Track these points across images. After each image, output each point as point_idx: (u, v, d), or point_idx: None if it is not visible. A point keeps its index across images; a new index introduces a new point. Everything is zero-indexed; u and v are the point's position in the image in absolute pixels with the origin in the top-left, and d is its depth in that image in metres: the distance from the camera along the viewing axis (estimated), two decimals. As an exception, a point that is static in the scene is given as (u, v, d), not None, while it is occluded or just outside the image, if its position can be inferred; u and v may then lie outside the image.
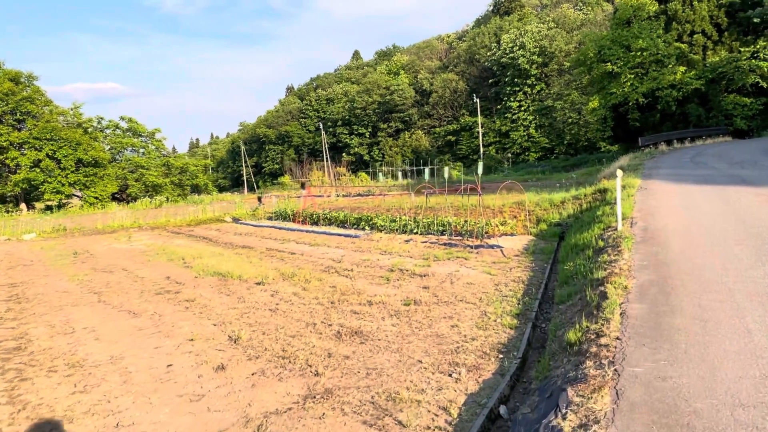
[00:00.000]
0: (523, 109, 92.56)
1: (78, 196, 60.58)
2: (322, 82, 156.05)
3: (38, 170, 56.63)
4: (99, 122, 70.31)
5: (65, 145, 58.27)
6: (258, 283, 14.26)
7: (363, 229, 26.28)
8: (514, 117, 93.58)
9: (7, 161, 56.65)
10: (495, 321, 9.76)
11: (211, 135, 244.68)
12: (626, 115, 53.42)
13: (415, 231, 23.01)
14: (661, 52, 50.72)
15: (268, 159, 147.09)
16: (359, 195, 44.13)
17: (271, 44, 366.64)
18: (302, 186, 57.31)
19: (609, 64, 51.62)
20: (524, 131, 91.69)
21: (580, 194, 23.62)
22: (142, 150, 71.54)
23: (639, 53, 50.49)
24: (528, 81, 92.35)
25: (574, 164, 67.66)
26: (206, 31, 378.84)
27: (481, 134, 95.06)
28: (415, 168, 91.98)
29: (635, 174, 25.17)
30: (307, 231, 27.56)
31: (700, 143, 46.52)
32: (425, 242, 20.49)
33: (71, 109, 64.77)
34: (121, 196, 67.54)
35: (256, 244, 23.67)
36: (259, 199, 42.82)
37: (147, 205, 57.63)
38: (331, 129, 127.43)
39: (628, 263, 10.22)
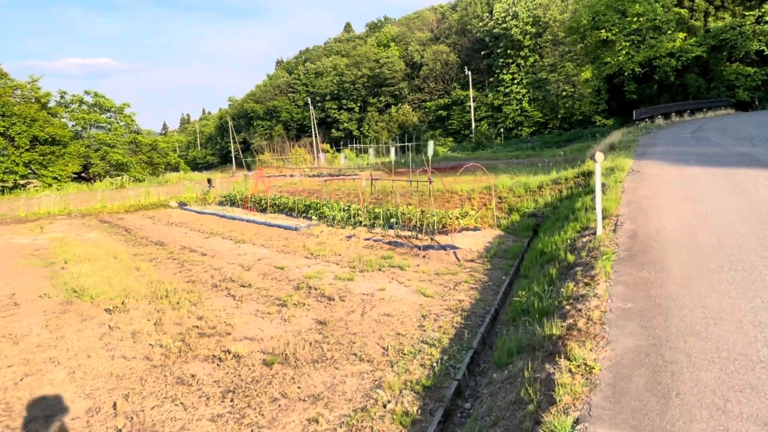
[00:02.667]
0: (516, 82, 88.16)
1: (35, 174, 56.45)
2: (311, 56, 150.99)
3: (-11, 149, 52.46)
4: (62, 97, 65.86)
5: (18, 122, 54.03)
6: (108, 310, 10.48)
7: (310, 218, 22.52)
8: (506, 90, 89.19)
9: (-47, 139, 52.33)
10: (385, 408, 6.02)
11: (203, 110, 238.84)
12: (621, 86, 49.36)
13: (364, 223, 19.22)
14: (659, 18, 46.48)
15: (256, 135, 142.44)
16: (330, 176, 40.19)
17: (264, 17, 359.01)
18: (248, 167, 52.69)
19: (603, 31, 47.37)
20: (517, 105, 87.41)
21: (560, 177, 19.80)
22: (108, 126, 67.11)
23: (635, 19, 46.22)
24: (521, 53, 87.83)
25: (568, 139, 63.71)
26: (198, 5, 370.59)
27: (473, 108, 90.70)
28: (399, 144, 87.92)
29: (627, 153, 21.32)
30: (247, 221, 23.78)
31: (700, 116, 42.54)
32: (368, 239, 16.72)
33: (28, 83, 60.20)
34: (86, 176, 63.44)
35: (175, 240, 19.89)
36: (209, 181, 38.81)
37: (108, 186, 53.61)
38: (319, 104, 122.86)
39: (601, 306, 6.44)
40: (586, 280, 7.58)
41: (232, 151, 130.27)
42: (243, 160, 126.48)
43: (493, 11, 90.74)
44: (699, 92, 48.02)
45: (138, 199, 34.22)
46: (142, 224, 25.27)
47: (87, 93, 67.36)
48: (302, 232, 19.58)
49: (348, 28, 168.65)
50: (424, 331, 8.45)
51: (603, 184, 14.88)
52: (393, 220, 18.58)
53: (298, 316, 9.48)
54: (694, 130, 30.07)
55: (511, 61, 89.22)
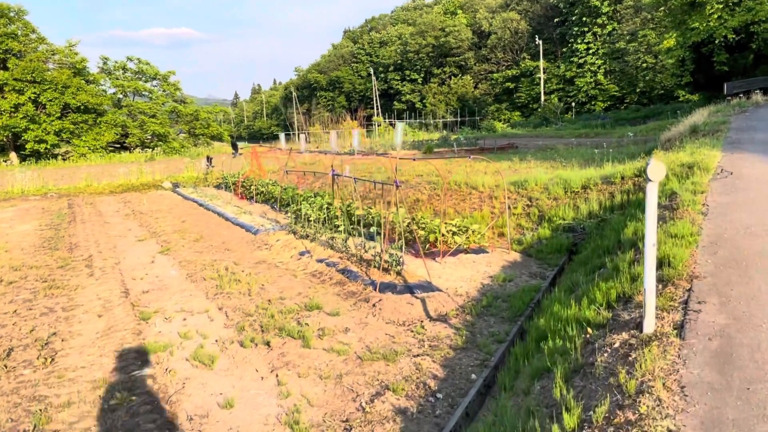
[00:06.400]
0: (591, 52, 79.88)
1: (67, 143, 53.88)
2: (376, 24, 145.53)
3: (20, 116, 49.88)
4: (105, 63, 63.15)
5: (50, 88, 51.35)
6: None
7: (287, 213, 17.76)
8: (580, 61, 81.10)
9: (-16, 106, 49.88)
10: None
11: (274, 81, 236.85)
12: (710, 56, 41.69)
13: (341, 228, 14.13)
14: (761, -25, 38.54)
15: (318, 105, 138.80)
16: (363, 153, 35.18)
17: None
18: (233, 147, 47.44)
19: (692, -10, 39.88)
20: (591, 77, 79.37)
21: (615, 175, 14.03)
22: (150, 95, 63.98)
23: (732, -24, 38.52)
24: (598, 20, 79.30)
25: (645, 116, 56.47)
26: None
27: (542, 80, 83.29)
28: (458, 119, 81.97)
29: (713, 140, 15.23)
30: (218, 213, 19.29)
31: (810, 92, 34.78)
32: (322, 261, 11.66)
33: (65, 48, 57.45)
34: (127, 145, 60.48)
35: (99, 243, 15.48)
36: (209, 159, 34.21)
37: (137, 158, 50.36)
38: (382, 74, 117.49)
39: None
40: None
41: (295, 121, 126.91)
42: (293, 133, 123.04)
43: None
44: (806, 64, 40.11)
45: (128, 179, 30.10)
46: (102, 211, 21.12)
47: (130, 59, 64.43)
48: (258, 238, 14.75)
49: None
50: None
51: (671, 206, 9.27)
52: (373, 228, 13.40)
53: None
54: (806, 110, 23.31)
55: (586, 29, 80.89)
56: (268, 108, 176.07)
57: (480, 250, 11.95)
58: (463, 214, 15.55)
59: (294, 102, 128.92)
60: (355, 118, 79.88)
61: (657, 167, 4.76)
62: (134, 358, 7.18)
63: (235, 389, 6.25)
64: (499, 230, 13.88)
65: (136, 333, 8.10)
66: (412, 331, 7.94)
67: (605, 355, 4.80)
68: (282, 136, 57.11)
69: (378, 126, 77.91)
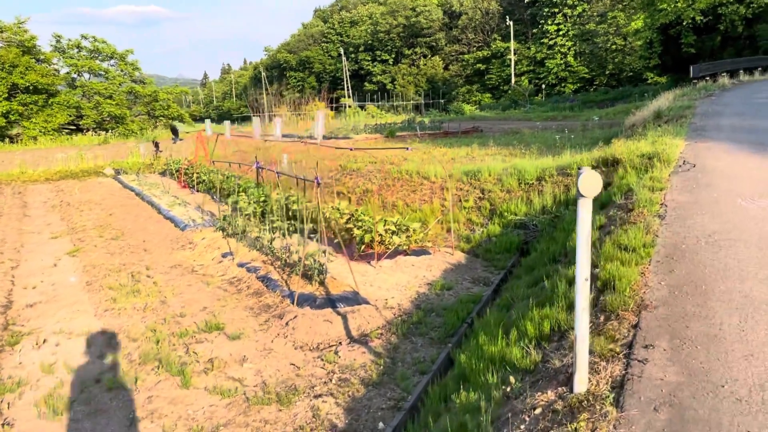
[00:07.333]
0: (561, 33, 79.05)
1: (16, 124, 51.41)
2: (347, 3, 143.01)
3: (-36, 98, 47.39)
4: (58, 41, 60.37)
5: (-5, 68, 48.83)
6: None
7: (227, 203, 16.42)
8: (551, 43, 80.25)
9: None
10: None
11: (244, 60, 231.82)
12: (678, 38, 41.06)
13: (276, 224, 12.80)
14: (728, -45, 37.85)
15: (288, 86, 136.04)
16: (323, 138, 33.68)
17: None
18: (174, 132, 45.37)
19: (659, -29, 39.00)
20: (561, 59, 78.68)
21: (571, 165, 12.93)
22: (105, 75, 61.37)
23: (699, -44, 37.69)
24: (568, 1, 78.42)
25: (614, 98, 56.00)
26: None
27: (513, 62, 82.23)
28: (424, 102, 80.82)
29: (677, 127, 14.18)
30: (152, 204, 17.85)
31: (776, 75, 34.24)
32: (243, 265, 10.37)
33: (14, 25, 54.68)
34: (82, 128, 57.95)
35: (5, 239, 14.03)
36: (156, 145, 32.23)
37: (90, 141, 48.17)
38: (353, 55, 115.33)
39: None
40: None
41: (265, 102, 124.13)
42: (257, 116, 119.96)
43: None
44: (772, 46, 39.70)
45: (66, 165, 28.21)
46: (28, 202, 19.57)
47: (85, 37, 61.74)
48: (184, 235, 13.41)
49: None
50: None
51: (627, 205, 8.19)
52: (309, 225, 12.12)
53: None
54: (775, 93, 22.49)
55: (557, 10, 79.96)
56: (238, 88, 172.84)
57: (421, 252, 10.76)
58: (412, 207, 14.41)
59: (263, 82, 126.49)
60: (322, 99, 77.98)
61: (591, 180, 3.63)
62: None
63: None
64: (449, 225, 12.74)
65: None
66: (322, 359, 6.72)
67: (522, 427, 3.64)
68: (207, 122, 54.89)
69: (348, 108, 76.33)
